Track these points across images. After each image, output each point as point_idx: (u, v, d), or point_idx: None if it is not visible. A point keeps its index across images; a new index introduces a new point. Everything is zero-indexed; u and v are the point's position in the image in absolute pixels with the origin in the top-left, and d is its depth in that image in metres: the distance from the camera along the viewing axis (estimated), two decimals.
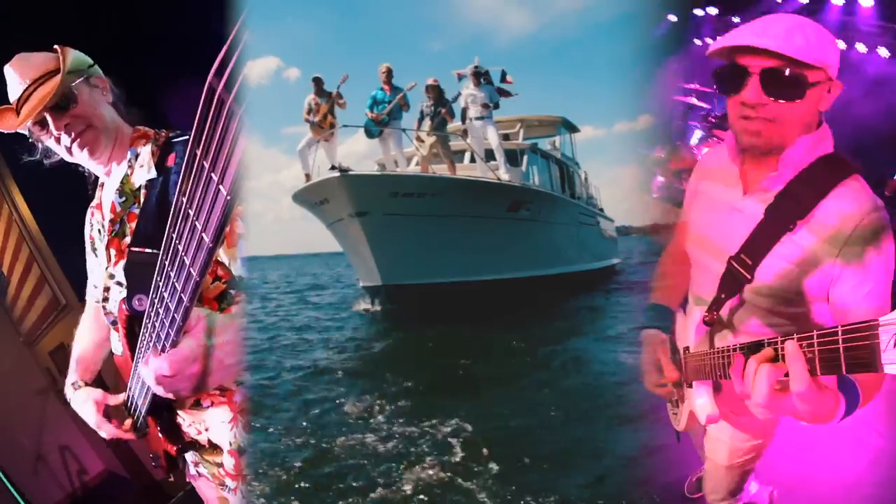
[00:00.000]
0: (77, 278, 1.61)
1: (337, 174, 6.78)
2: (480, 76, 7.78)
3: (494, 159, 8.08)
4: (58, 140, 1.39)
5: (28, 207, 3.26)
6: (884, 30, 6.62)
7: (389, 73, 7.54)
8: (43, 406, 3.65)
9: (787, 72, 1.04)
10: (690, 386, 1.33)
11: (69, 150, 1.41)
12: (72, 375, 1.63)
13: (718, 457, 1.57)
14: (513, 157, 8.70)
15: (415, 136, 7.80)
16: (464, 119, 7.94)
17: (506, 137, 8.94)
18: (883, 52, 6.73)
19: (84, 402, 1.56)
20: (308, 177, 7.54)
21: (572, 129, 11.29)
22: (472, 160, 8.40)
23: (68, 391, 1.61)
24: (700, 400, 1.30)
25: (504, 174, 8.02)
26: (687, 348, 1.34)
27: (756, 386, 0.88)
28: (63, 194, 1.61)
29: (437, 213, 7.22)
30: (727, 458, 1.55)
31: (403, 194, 7.04)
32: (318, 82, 7.46)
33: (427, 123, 7.73)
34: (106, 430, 1.54)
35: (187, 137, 1.37)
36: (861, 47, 6.81)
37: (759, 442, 1.49)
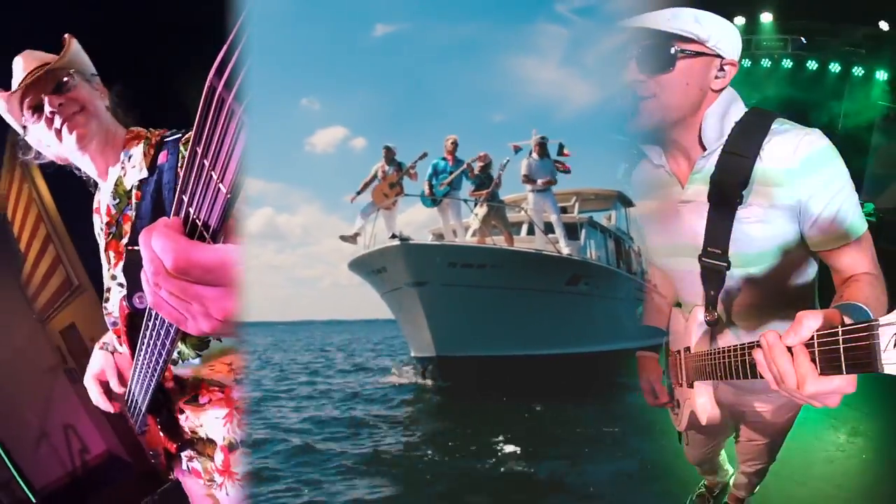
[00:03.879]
0: (91, 262, 1.67)
1: (397, 242, 6.85)
2: (542, 146, 7.87)
3: (553, 232, 8.05)
4: (49, 122, 1.43)
5: (48, 188, 3.34)
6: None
7: (455, 144, 7.72)
8: (51, 384, 3.71)
9: (653, 45, 1.12)
10: (691, 386, 1.33)
11: (59, 133, 1.44)
12: (108, 337, 1.69)
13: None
14: (571, 231, 8.64)
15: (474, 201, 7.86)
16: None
17: (562, 210, 8.93)
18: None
19: (97, 360, 1.63)
20: (357, 235, 7.66)
21: (628, 203, 11.20)
22: (529, 232, 8.35)
23: (96, 346, 1.68)
24: (701, 400, 1.31)
25: (564, 247, 7.96)
26: (687, 348, 1.34)
27: (798, 368, 0.79)
28: (82, 178, 1.65)
29: (496, 285, 7.16)
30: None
31: (462, 265, 7.04)
32: (389, 151, 7.69)
33: (478, 190, 7.81)
34: (94, 390, 1.62)
35: (179, 135, 1.42)
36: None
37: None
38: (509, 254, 7.39)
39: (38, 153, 1.57)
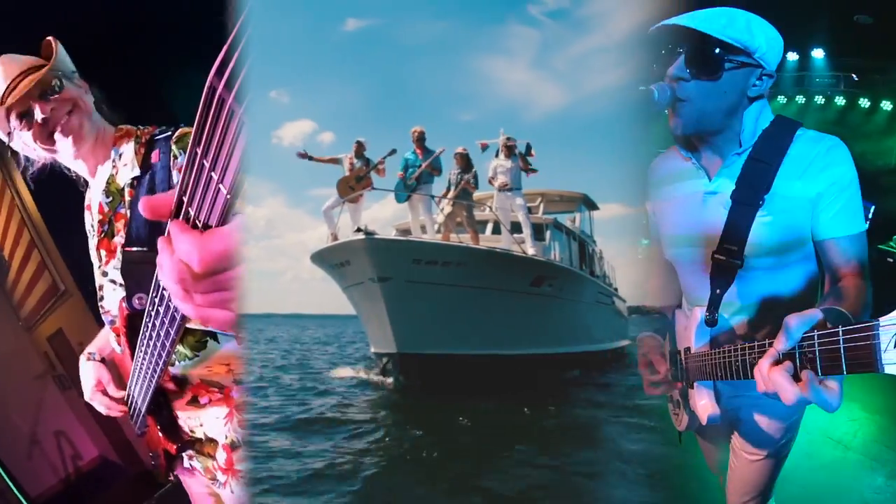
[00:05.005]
0: (76, 266, 1.64)
1: (362, 236, 6.78)
2: (511, 147, 7.89)
3: (520, 232, 8.10)
4: (41, 127, 1.39)
5: (30, 194, 3.31)
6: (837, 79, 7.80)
7: (421, 136, 7.70)
8: (40, 391, 3.68)
9: (700, 49, 1.14)
10: (692, 387, 1.33)
11: (51, 137, 1.41)
12: (93, 346, 1.67)
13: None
14: (537, 231, 8.72)
15: (438, 202, 7.87)
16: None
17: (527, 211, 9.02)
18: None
19: (89, 373, 1.61)
20: (335, 236, 7.57)
21: (592, 206, 11.37)
22: (495, 231, 8.38)
23: (82, 357, 1.65)
24: (702, 401, 1.32)
25: (530, 248, 8.01)
26: (688, 349, 1.35)
27: (779, 387, 0.85)
28: (65, 181, 1.62)
29: (460, 283, 7.15)
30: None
31: (427, 262, 7.00)
32: (360, 146, 7.62)
33: (451, 192, 7.83)
34: (98, 402, 1.59)
35: (170, 133, 1.40)
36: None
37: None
38: (475, 252, 7.39)
39: (27, 160, 1.52)
